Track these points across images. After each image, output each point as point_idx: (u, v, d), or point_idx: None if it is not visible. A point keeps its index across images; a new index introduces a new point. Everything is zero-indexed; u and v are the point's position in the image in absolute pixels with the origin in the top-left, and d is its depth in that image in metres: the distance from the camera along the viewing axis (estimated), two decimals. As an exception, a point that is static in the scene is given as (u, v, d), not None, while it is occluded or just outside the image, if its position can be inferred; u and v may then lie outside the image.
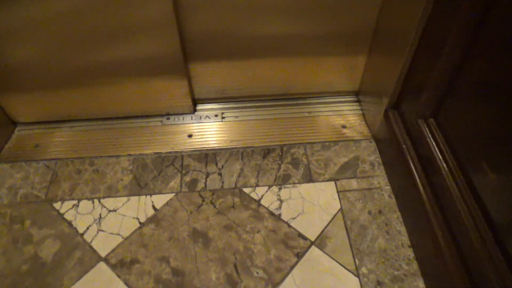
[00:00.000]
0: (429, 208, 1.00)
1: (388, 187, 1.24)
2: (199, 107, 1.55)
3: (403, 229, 1.13)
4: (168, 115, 1.52)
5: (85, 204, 1.22)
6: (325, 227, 1.15)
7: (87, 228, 1.16)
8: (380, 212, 1.18)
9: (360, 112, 1.51)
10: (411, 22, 1.02)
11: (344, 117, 1.49)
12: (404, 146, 1.13)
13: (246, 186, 1.26)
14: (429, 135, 1.02)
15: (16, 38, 1.20)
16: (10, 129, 1.47)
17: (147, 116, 1.51)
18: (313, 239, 1.12)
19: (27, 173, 1.32)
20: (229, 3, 1.21)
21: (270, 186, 1.26)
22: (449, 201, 0.93)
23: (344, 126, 1.45)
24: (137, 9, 1.15)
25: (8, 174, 1.31)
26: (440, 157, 0.97)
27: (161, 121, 1.50)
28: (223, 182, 1.27)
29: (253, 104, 1.55)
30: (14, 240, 1.14)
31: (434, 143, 1.00)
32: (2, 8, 1.12)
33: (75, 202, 1.23)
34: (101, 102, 1.44)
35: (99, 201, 1.23)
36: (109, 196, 1.24)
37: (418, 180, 1.06)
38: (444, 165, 0.96)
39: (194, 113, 1.53)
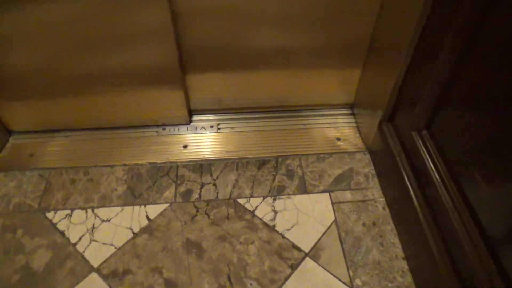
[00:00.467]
0: (422, 220, 1.01)
1: (382, 199, 1.24)
2: (195, 118, 1.56)
3: (397, 241, 1.13)
4: (164, 125, 1.52)
5: (78, 214, 1.21)
6: (319, 238, 1.14)
7: (80, 238, 1.15)
8: (374, 224, 1.18)
9: (355, 124, 1.52)
10: (405, 35, 1.03)
11: (338, 130, 1.50)
12: (398, 158, 1.14)
13: (240, 197, 1.26)
14: (423, 147, 1.03)
15: (12, 46, 1.21)
16: (4, 137, 1.47)
17: (143, 126, 1.51)
18: (307, 251, 1.11)
19: (20, 182, 1.31)
20: (226, 14, 1.22)
21: (264, 197, 1.26)
22: (442, 213, 0.93)
23: (338, 139, 1.46)
24: (135, 18, 1.16)
25: (1, 182, 1.31)
26: (433, 169, 0.98)
27: (156, 131, 1.50)
28: (217, 193, 1.27)
29: (249, 116, 1.56)
30: (6, 249, 1.12)
31: (427, 155, 1.01)
32: (-1, 16, 1.13)
33: (68, 211, 1.22)
34: (97, 112, 1.45)
35: (93, 211, 1.22)
36: (103, 206, 1.24)
37: (411, 192, 1.07)
38: (437, 176, 0.96)
39: (190, 124, 1.53)
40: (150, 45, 1.24)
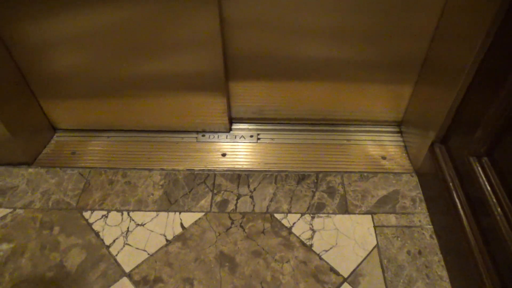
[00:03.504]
0: (477, 254, 0.92)
1: (429, 227, 1.15)
2: (235, 126, 1.53)
3: (445, 274, 1.05)
4: (203, 132, 1.51)
5: (114, 216, 1.21)
6: (360, 263, 1.07)
7: (114, 240, 1.14)
8: (420, 252, 1.09)
9: (402, 143, 1.44)
10: (467, 54, 0.96)
11: (384, 148, 1.43)
12: (451, 184, 1.06)
13: (277, 212, 1.21)
14: (482, 175, 0.95)
15: (64, 47, 1.23)
16: (49, 134, 1.50)
17: (183, 132, 1.50)
18: (345, 276, 1.05)
19: (61, 179, 1.33)
20: (274, 24, 1.19)
21: (302, 214, 1.20)
22: (503, 249, 0.84)
23: (384, 157, 1.38)
24: (185, 25, 1.16)
25: (43, 179, 1.33)
26: (494, 200, 0.89)
27: (196, 137, 1.49)
28: (254, 205, 1.23)
29: (290, 127, 1.52)
30: (42, 245, 1.13)
31: (487, 184, 0.92)
32: (52, 18, 1.15)
33: (104, 212, 1.22)
34: (139, 114, 1.45)
35: (128, 214, 1.21)
36: (138, 210, 1.23)
37: (465, 222, 0.98)
38: (498, 208, 0.87)
39: (229, 132, 1.51)
40: (197, 52, 1.23)
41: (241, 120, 1.54)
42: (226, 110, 1.43)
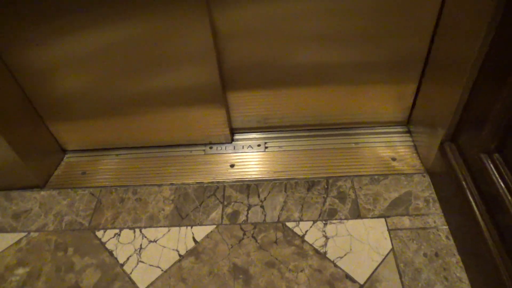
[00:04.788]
0: (495, 254, 0.90)
1: (445, 227, 1.13)
2: (239, 136, 1.53)
3: (464, 275, 1.02)
4: (211, 144, 1.51)
5: (126, 234, 1.21)
6: (375, 269, 1.06)
7: (127, 258, 1.14)
8: (436, 254, 1.07)
9: (412, 143, 1.42)
10: (470, 49, 0.94)
11: (393, 149, 1.41)
12: (463, 182, 1.04)
13: (289, 220, 1.20)
14: (494, 172, 0.92)
15: (66, 70, 1.25)
16: (59, 156, 1.52)
17: (190, 145, 1.51)
18: (362, 282, 1.03)
19: (73, 200, 1.34)
20: (269, 32, 1.20)
21: (314, 221, 1.19)
22: (520, 248, 0.82)
23: (394, 159, 1.37)
24: (179, 40, 1.17)
25: (55, 200, 1.34)
26: (509, 197, 0.87)
27: (204, 150, 1.49)
28: (265, 215, 1.22)
29: (297, 134, 1.51)
30: (57, 267, 1.14)
31: (500, 181, 0.90)
32: (54, 41, 1.17)
33: (117, 231, 1.22)
34: (145, 131, 1.46)
35: (140, 231, 1.22)
36: (150, 226, 1.23)
37: (481, 221, 0.96)
38: (514, 205, 0.85)
39: (231, 142, 1.51)
40: (193, 65, 1.24)
41: (245, 130, 1.54)
42: (226, 121, 1.43)
